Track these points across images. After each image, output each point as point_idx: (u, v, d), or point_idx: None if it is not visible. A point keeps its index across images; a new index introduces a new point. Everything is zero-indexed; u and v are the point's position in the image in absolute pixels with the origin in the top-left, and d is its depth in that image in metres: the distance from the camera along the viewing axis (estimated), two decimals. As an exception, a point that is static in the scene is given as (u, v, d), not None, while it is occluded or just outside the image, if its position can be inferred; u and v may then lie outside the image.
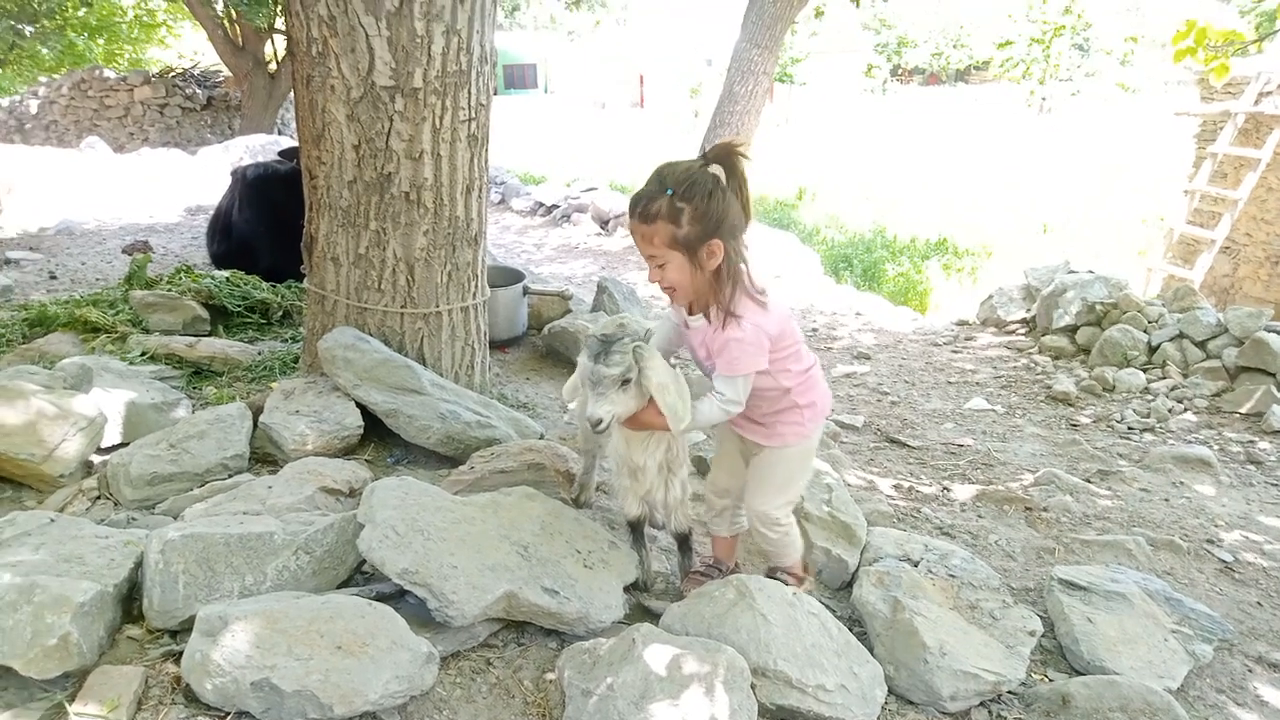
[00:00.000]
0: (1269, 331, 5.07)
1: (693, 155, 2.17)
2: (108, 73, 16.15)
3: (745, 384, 2.10)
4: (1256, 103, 8.72)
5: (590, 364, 2.05)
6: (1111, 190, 16.53)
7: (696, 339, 2.16)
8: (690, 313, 2.15)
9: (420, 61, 3.04)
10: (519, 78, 45.03)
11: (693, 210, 1.94)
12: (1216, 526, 3.44)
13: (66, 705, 1.73)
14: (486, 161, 3.46)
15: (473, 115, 3.27)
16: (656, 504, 2.40)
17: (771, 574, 2.52)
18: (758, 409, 2.24)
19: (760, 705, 1.95)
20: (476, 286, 3.59)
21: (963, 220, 14.72)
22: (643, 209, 1.98)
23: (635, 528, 2.47)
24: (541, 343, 4.69)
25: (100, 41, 19.51)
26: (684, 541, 2.53)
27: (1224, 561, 3.11)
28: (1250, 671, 2.45)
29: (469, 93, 3.21)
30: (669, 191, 1.95)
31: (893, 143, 23.09)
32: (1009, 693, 2.19)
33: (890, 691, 2.17)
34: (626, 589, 2.37)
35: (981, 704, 2.16)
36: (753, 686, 1.95)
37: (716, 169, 1.97)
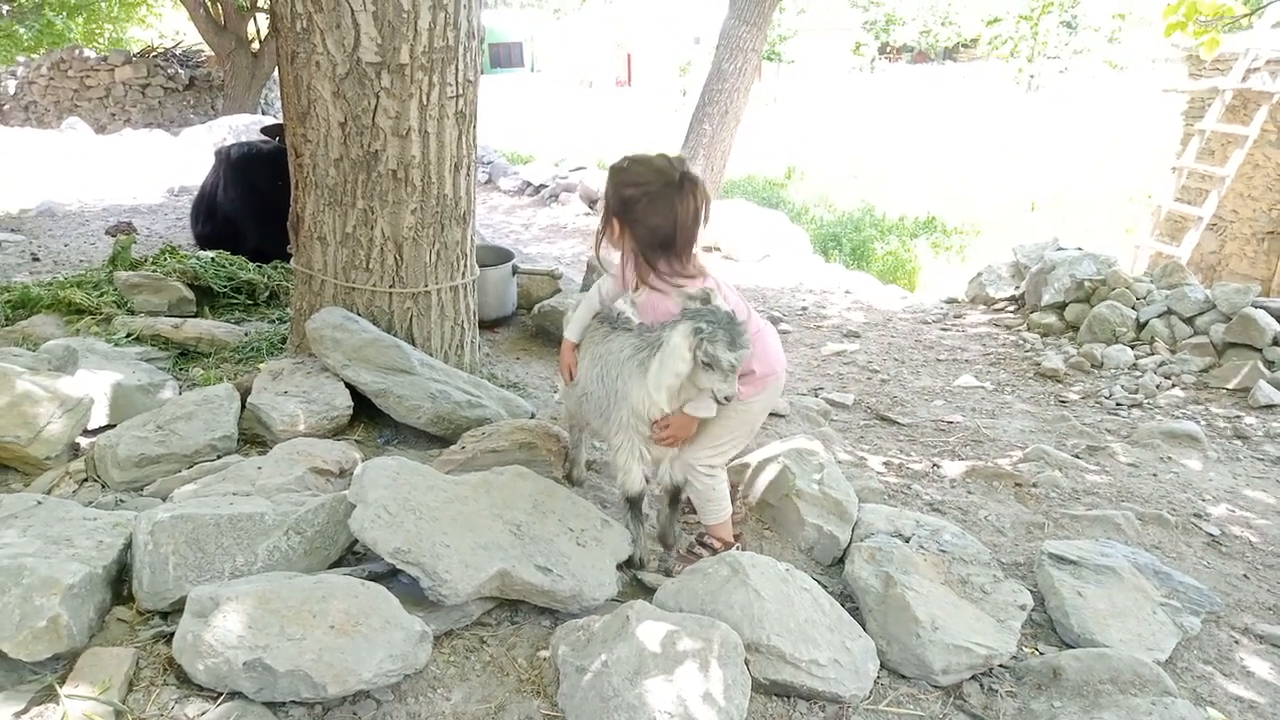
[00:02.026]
0: (1256, 307, 5.09)
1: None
2: (88, 52, 15.89)
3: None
4: (1244, 79, 8.72)
5: (726, 353, 2.11)
6: (1100, 168, 16.56)
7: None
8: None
9: (407, 37, 3.00)
10: (505, 56, 44.57)
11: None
12: (1204, 500, 3.46)
13: (57, 687, 1.72)
14: (475, 139, 3.42)
15: (460, 92, 3.23)
16: (662, 468, 2.46)
17: (700, 541, 2.58)
18: None
19: (754, 680, 1.95)
20: (465, 265, 3.56)
21: (951, 198, 14.74)
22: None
23: (634, 504, 2.48)
24: (531, 322, 4.67)
25: (79, 20, 19.17)
26: (675, 496, 2.57)
27: (1211, 535, 3.13)
28: (1237, 643, 2.47)
29: (456, 69, 3.17)
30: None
31: (881, 121, 23.00)
32: (1000, 666, 2.21)
33: (882, 665, 2.18)
34: (620, 566, 2.37)
35: (973, 677, 2.17)
36: (746, 662, 1.95)
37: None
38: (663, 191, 2.24)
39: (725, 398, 2.16)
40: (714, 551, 2.52)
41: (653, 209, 2.25)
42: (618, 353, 2.37)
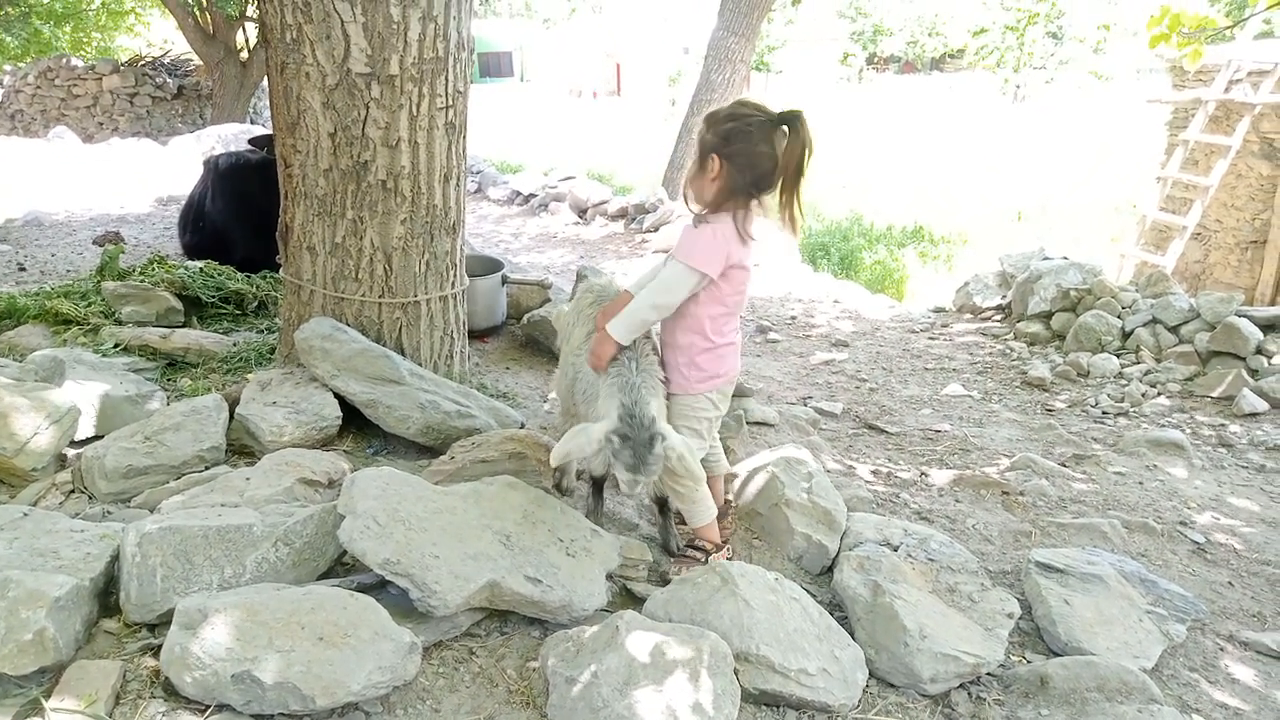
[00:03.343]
0: (1239, 316, 5.14)
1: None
2: (75, 61, 15.82)
3: (684, 280, 2.31)
4: (1227, 90, 8.81)
5: (624, 473, 2.20)
6: (1085, 178, 16.68)
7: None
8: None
9: (397, 48, 3.01)
10: (495, 66, 44.65)
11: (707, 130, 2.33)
12: (1189, 509, 3.49)
13: (43, 701, 1.71)
14: (464, 150, 3.43)
15: (450, 103, 3.24)
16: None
17: (691, 544, 2.61)
18: (672, 340, 2.46)
19: (743, 690, 1.96)
20: (455, 275, 3.56)
21: (939, 208, 14.81)
22: None
23: (598, 484, 2.60)
24: (521, 332, 4.67)
25: (67, 29, 19.10)
26: (664, 504, 2.61)
27: (1196, 543, 3.16)
28: (1222, 650, 2.49)
29: (446, 80, 3.18)
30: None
31: (869, 131, 23.14)
32: (988, 674, 2.22)
33: (871, 674, 2.19)
34: (609, 576, 2.38)
35: (961, 685, 2.18)
36: (736, 671, 1.96)
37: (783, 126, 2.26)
38: (765, 125, 2.27)
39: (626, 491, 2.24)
40: (706, 553, 2.55)
41: (758, 139, 2.27)
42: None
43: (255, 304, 4.67)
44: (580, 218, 10.29)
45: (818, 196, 14.82)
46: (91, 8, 19.14)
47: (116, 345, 3.81)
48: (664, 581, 2.46)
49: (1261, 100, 8.40)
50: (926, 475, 3.70)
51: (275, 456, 2.72)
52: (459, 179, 3.42)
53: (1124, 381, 5.14)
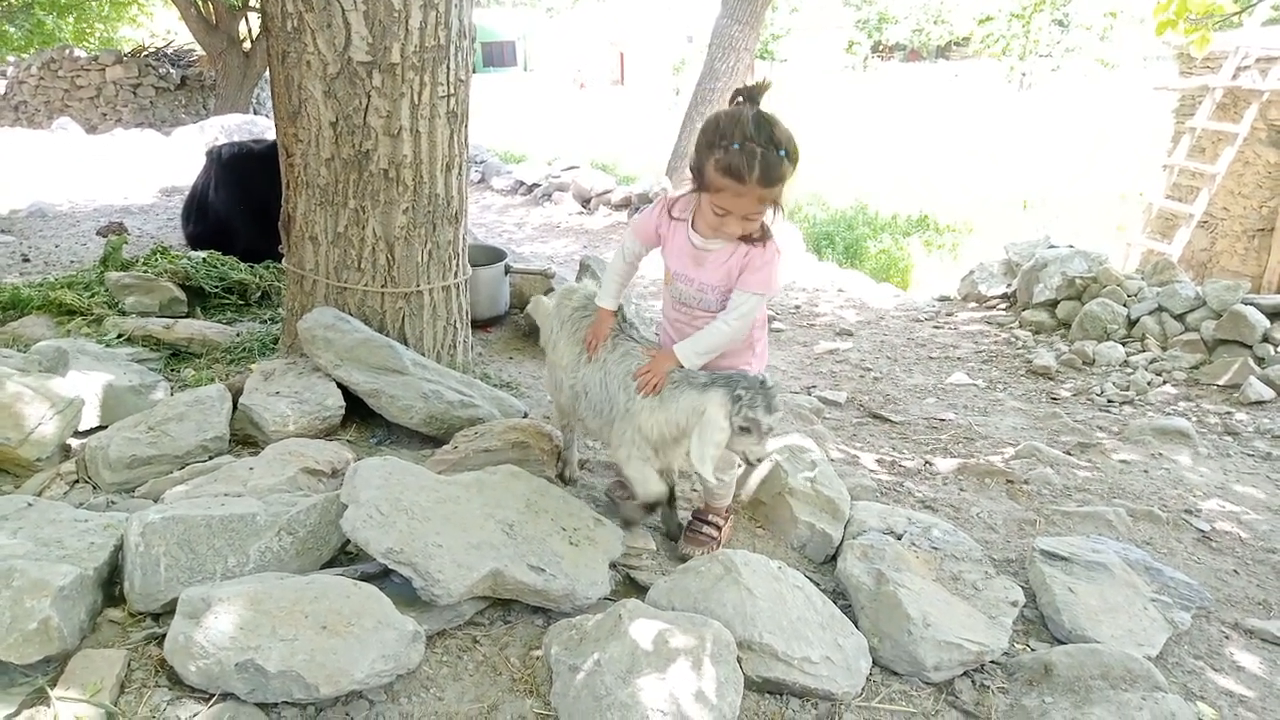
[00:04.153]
0: (1246, 304, 5.12)
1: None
2: (78, 52, 15.81)
3: (763, 304, 2.29)
4: (1234, 77, 8.75)
5: (765, 416, 2.14)
6: (1091, 165, 16.61)
7: (712, 262, 2.26)
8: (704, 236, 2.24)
9: (398, 36, 3.00)
10: (498, 55, 44.53)
11: (794, 167, 2.04)
12: (1194, 497, 3.48)
13: (48, 690, 1.72)
14: (466, 138, 3.42)
15: (452, 91, 3.23)
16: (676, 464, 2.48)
17: (701, 517, 2.63)
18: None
19: (747, 678, 1.96)
20: (458, 265, 3.56)
21: (944, 197, 14.75)
22: (766, 174, 2.01)
23: (654, 508, 2.52)
24: (524, 322, 4.66)
25: (70, 20, 19.09)
26: (672, 493, 2.59)
27: (1201, 531, 3.15)
28: (1227, 638, 2.48)
29: (448, 68, 3.17)
30: (782, 153, 2.00)
31: (874, 120, 23.06)
32: (992, 662, 2.22)
33: (875, 663, 2.18)
34: (612, 565, 2.38)
35: (965, 673, 2.18)
36: (739, 659, 1.96)
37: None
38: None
39: (756, 460, 2.18)
40: (718, 528, 2.60)
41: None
42: (626, 366, 2.38)
43: (258, 294, 4.67)
44: (584, 207, 10.27)
45: (822, 185, 14.79)
46: (94, -1, 19.12)
47: (120, 336, 3.81)
48: (682, 559, 2.48)
49: (1269, 87, 8.34)
50: (931, 464, 3.69)
51: (279, 446, 2.72)
52: (461, 168, 3.41)
53: (1129, 370, 5.12)
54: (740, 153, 1.99)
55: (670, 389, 2.27)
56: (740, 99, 2.08)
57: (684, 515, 2.72)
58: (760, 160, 1.99)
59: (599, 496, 2.89)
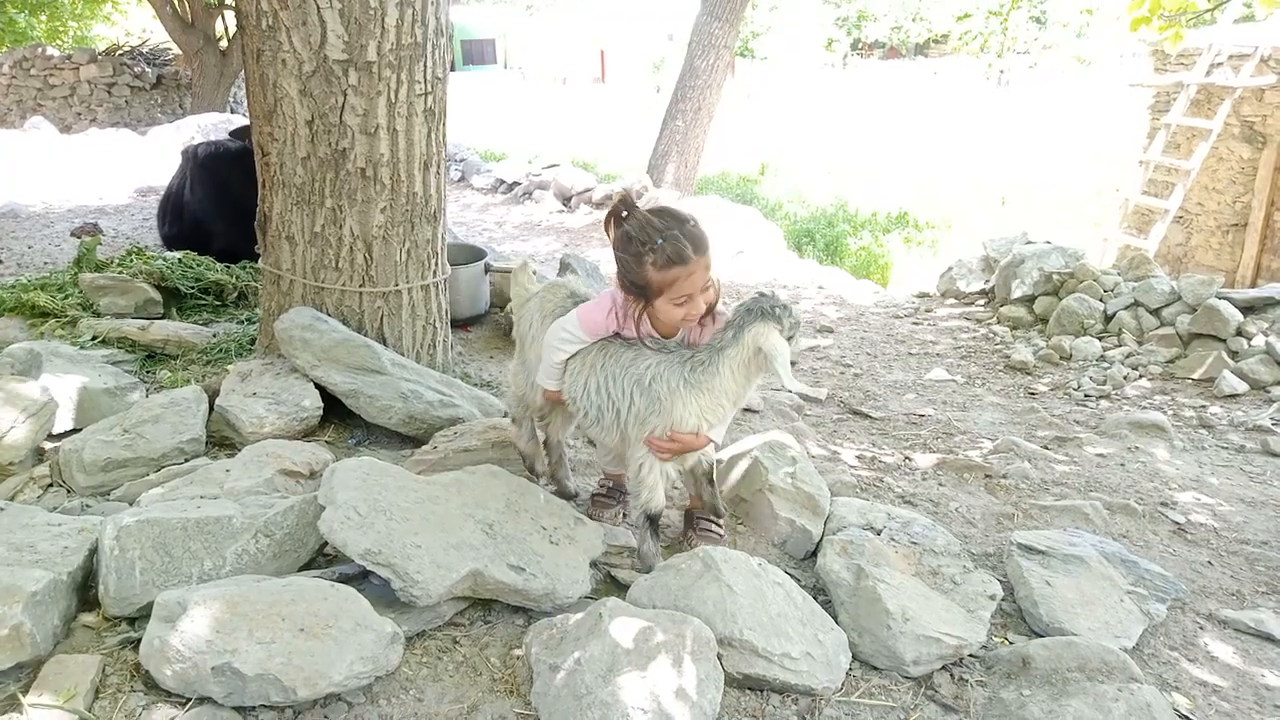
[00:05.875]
0: (1220, 298, 5.18)
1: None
2: (51, 51, 15.61)
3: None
4: (1208, 74, 8.86)
5: (797, 314, 2.22)
6: (1068, 161, 16.75)
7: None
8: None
9: (374, 34, 2.98)
10: (477, 53, 44.30)
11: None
12: (1170, 489, 3.52)
13: (20, 697, 1.70)
14: (444, 137, 3.40)
15: (429, 89, 3.21)
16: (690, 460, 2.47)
17: (702, 515, 2.65)
18: None
19: (727, 675, 1.96)
20: (437, 264, 3.54)
21: (923, 194, 14.84)
22: (699, 243, 2.19)
23: (655, 520, 2.45)
24: (504, 321, 4.65)
25: (42, 18, 18.88)
26: (710, 475, 2.58)
27: (1177, 523, 3.18)
28: (1201, 629, 2.51)
29: (425, 66, 3.16)
30: (693, 223, 2.22)
31: (854, 117, 23.15)
32: (970, 656, 2.23)
33: (855, 658, 2.19)
34: (593, 564, 2.37)
35: (944, 667, 2.19)
36: (719, 656, 1.96)
37: None
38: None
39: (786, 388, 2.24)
40: (719, 524, 2.66)
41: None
42: (644, 369, 2.29)
43: (235, 294, 4.63)
44: (565, 206, 10.25)
45: (802, 183, 14.84)
46: (67, -4, 18.90)
47: (94, 337, 3.78)
48: (690, 548, 2.48)
49: (1242, 83, 8.44)
50: (910, 459, 3.71)
51: (256, 448, 2.70)
52: (439, 166, 3.39)
53: (1106, 364, 5.17)
54: (669, 242, 2.15)
55: (700, 370, 2.26)
56: (624, 212, 2.23)
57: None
58: (688, 236, 2.17)
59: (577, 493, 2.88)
